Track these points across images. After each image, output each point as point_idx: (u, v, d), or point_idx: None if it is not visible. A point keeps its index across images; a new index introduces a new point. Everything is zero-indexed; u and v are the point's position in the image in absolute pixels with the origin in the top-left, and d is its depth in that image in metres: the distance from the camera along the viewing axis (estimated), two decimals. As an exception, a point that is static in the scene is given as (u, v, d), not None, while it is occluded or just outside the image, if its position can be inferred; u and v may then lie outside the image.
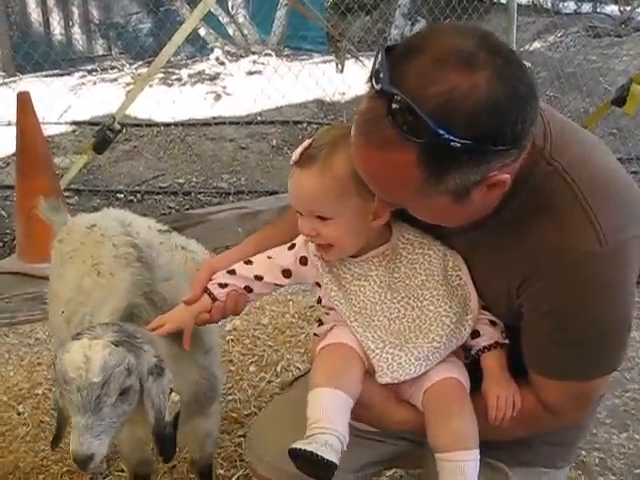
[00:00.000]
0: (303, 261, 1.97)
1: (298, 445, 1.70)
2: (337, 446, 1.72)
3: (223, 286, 2.03)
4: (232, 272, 2.03)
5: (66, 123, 7.67)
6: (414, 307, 1.89)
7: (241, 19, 10.58)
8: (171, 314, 2.10)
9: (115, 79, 8.91)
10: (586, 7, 13.00)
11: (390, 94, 1.47)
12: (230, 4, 10.39)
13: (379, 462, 2.25)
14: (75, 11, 11.28)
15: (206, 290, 2.05)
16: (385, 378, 1.87)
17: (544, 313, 1.73)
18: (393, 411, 1.94)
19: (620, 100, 5.70)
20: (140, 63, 9.28)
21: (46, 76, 8.61)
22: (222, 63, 9.51)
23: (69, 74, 8.98)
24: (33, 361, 4.01)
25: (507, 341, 1.89)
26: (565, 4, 12.97)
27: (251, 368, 3.85)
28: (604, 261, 1.65)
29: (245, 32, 10.59)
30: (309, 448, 1.68)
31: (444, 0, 9.53)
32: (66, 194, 5.79)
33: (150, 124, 7.76)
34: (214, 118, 8.01)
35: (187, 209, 6.42)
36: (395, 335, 1.88)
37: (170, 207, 6.49)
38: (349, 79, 8.26)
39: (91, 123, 7.48)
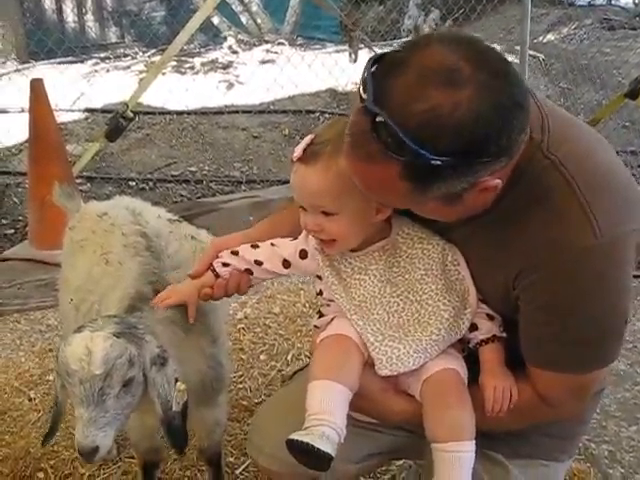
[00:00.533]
0: (302, 254, 1.99)
1: (295, 436, 1.72)
2: (334, 438, 1.74)
3: (226, 265, 2.08)
4: (235, 253, 2.07)
5: (79, 110, 7.68)
6: (413, 301, 1.91)
7: (254, 8, 10.58)
8: (175, 288, 2.18)
9: (128, 67, 8.92)
10: (600, -1, 12.93)
11: (373, 113, 1.50)
12: (244, -7, 10.39)
13: (381, 453, 2.26)
14: (88, -2, 11.30)
15: (210, 267, 2.10)
16: (384, 371, 1.89)
17: (540, 305, 1.74)
18: (391, 402, 1.95)
19: (634, 93, 5.70)
20: (153, 51, 9.29)
21: (59, 63, 8.63)
22: (235, 52, 9.51)
23: (82, 61, 8.99)
24: (44, 347, 4.03)
25: (504, 335, 1.90)
26: (579, -4, 12.90)
27: (262, 357, 3.87)
28: (600, 254, 1.65)
29: (258, 21, 10.59)
30: (305, 439, 1.70)
31: (458, -9, 9.49)
32: (78, 181, 5.81)
33: (163, 112, 7.76)
34: (227, 107, 8.02)
35: (199, 197, 6.43)
36: (394, 328, 1.90)
37: (182, 195, 6.49)
38: (362, 69, 8.21)
39: (104, 111, 7.49)
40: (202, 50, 9.72)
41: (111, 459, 3.12)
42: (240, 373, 3.68)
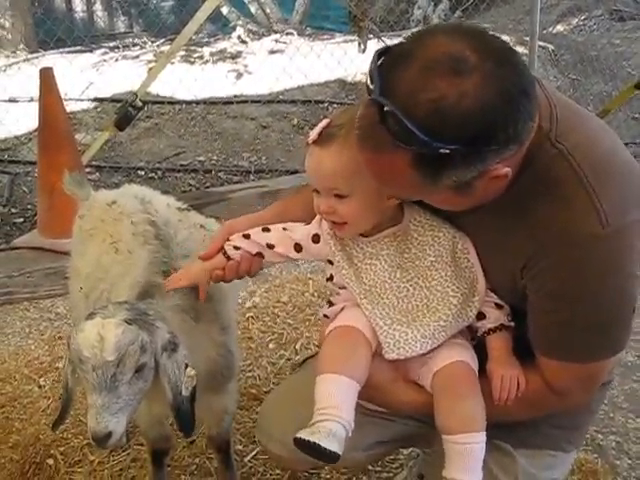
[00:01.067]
0: (315, 239, 2.00)
1: (302, 435, 1.74)
2: (341, 434, 1.75)
3: (237, 248, 2.08)
4: (247, 237, 2.08)
5: (88, 100, 7.69)
6: (422, 287, 1.92)
7: (263, -2, 10.56)
8: (186, 270, 2.19)
9: (137, 56, 8.92)
10: (610, -10, 12.85)
11: (380, 104, 1.51)
12: (253, -18, 10.38)
13: (389, 441, 2.27)
14: (97, -12, 11.31)
15: (222, 249, 2.10)
16: (392, 354, 1.90)
17: (548, 293, 1.75)
18: (401, 392, 1.97)
19: (644, 84, 5.67)
20: (162, 40, 9.27)
21: (68, 53, 8.62)
22: (244, 42, 9.49)
23: (91, 51, 8.99)
24: (54, 335, 4.05)
25: (512, 324, 1.91)
26: (589, -14, 12.83)
27: (270, 345, 3.88)
28: (607, 243, 1.67)
29: (267, 11, 10.57)
30: (312, 439, 1.72)
31: (467, -19, 9.47)
32: (87, 170, 5.82)
33: (172, 102, 7.77)
34: (236, 96, 8.02)
35: (207, 187, 6.43)
36: (403, 313, 1.92)
37: (190, 185, 6.50)
38: (369, 61, 8.19)
39: (113, 100, 7.49)
40: (211, 40, 9.70)
41: (121, 446, 3.13)
42: (249, 362, 3.69)
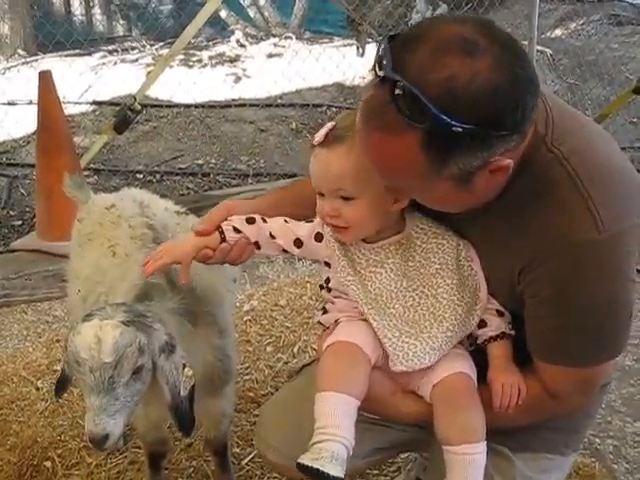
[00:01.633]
0: (318, 237, 1.95)
1: (306, 461, 1.71)
2: (343, 455, 1.73)
3: (237, 231, 1.97)
4: (251, 221, 1.98)
5: (87, 103, 7.70)
6: (428, 295, 1.90)
7: (262, 1, 10.58)
8: (170, 247, 2.04)
9: (136, 60, 8.93)
10: (608, -5, 12.87)
11: (393, 80, 1.50)
12: (251, -14, 10.39)
13: (388, 448, 2.27)
14: (96, -9, 11.32)
15: (219, 228, 1.98)
16: (400, 367, 1.88)
17: (545, 300, 1.75)
18: (400, 403, 1.96)
19: (642, 89, 5.68)
20: (161, 44, 9.29)
21: (67, 56, 8.63)
22: (243, 45, 9.50)
23: (90, 54, 9.00)
24: (52, 338, 4.05)
25: (513, 332, 1.91)
26: (588, -9, 12.85)
27: (268, 348, 3.87)
28: (603, 248, 1.67)
29: (266, 15, 10.58)
30: (316, 465, 1.70)
31: (466, -15, 9.48)
32: (86, 173, 5.83)
33: (170, 105, 7.78)
34: (234, 100, 8.03)
35: (206, 190, 6.44)
36: (410, 324, 1.89)
37: (189, 188, 6.50)
38: (369, 63, 8.19)
39: (111, 103, 7.51)
40: (210, 43, 9.71)
41: (118, 449, 3.14)
42: (246, 365, 3.69)
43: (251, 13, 10.62)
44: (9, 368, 3.77)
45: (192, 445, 3.15)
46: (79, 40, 8.20)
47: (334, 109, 7.99)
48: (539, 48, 8.21)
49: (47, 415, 3.36)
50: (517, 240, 1.75)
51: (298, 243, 1.97)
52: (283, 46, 9.38)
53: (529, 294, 1.79)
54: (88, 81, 8.01)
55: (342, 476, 1.71)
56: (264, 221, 1.98)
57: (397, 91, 1.49)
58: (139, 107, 5.46)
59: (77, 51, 8.74)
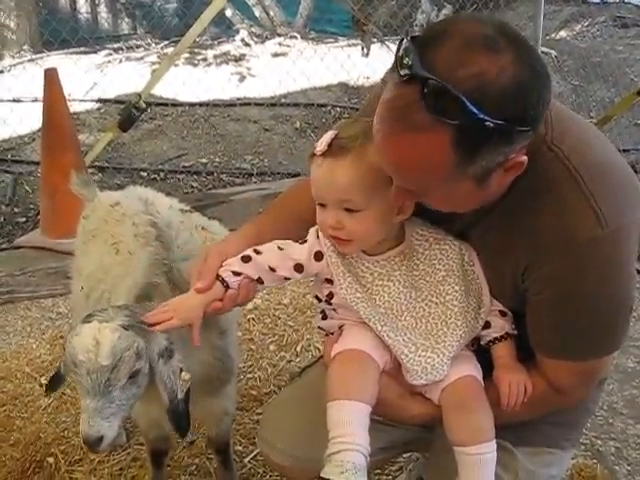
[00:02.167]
0: (318, 257, 1.90)
1: (331, 476, 1.70)
2: (363, 463, 1.73)
3: (237, 274, 1.91)
4: (246, 260, 1.91)
5: (92, 100, 7.71)
6: (438, 303, 1.90)
7: (267, 1, 10.57)
8: (178, 305, 1.96)
9: (141, 58, 8.94)
10: (614, -3, 12.87)
11: (423, 78, 1.48)
12: (257, -14, 10.39)
13: (392, 447, 2.27)
14: (102, -11, 11.34)
15: (218, 277, 1.92)
16: (420, 380, 1.89)
17: (549, 296, 1.77)
18: (408, 406, 1.97)
19: (646, 91, 5.69)
20: (166, 42, 9.30)
21: (72, 53, 8.64)
22: (247, 44, 9.51)
23: (95, 52, 9.01)
24: (55, 334, 4.07)
25: (516, 332, 1.92)
26: (593, -7, 12.85)
27: (271, 347, 3.89)
28: (606, 245, 1.68)
29: (271, 14, 10.58)
30: (338, 479, 1.69)
31: (471, -14, 9.48)
32: (90, 171, 5.83)
33: (175, 104, 7.79)
34: (238, 99, 8.04)
35: (209, 189, 6.45)
36: (424, 336, 1.89)
37: (193, 186, 6.52)
38: (374, 63, 8.25)
39: (117, 101, 7.52)
40: (215, 42, 9.72)
41: (120, 445, 3.15)
42: (250, 363, 3.70)
43: (256, 12, 10.63)
44: (13, 364, 3.78)
45: (194, 443, 3.17)
46: (85, 38, 8.20)
47: (338, 109, 8.00)
48: (544, 49, 8.22)
49: (50, 411, 3.37)
50: (520, 239, 1.76)
51: (299, 268, 1.91)
52: (288, 45, 9.38)
53: (533, 292, 1.80)
54: (93, 79, 8.02)
55: None
56: (258, 253, 1.92)
57: (426, 89, 1.47)
58: (144, 105, 5.47)
59: (83, 49, 8.74)
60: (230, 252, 1.97)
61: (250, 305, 4.20)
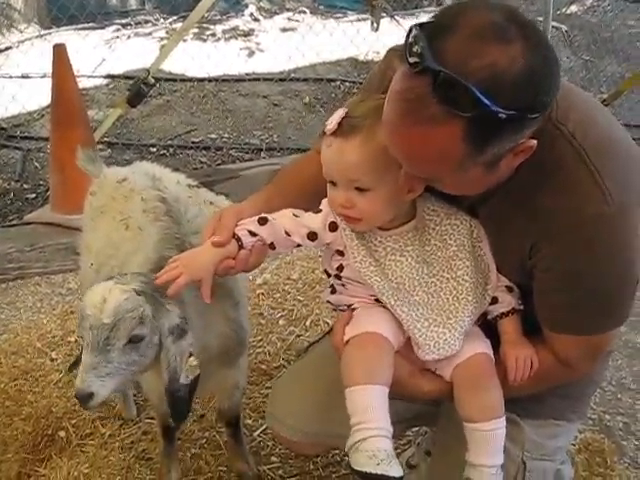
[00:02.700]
0: (332, 227, 1.90)
1: (367, 469, 1.69)
2: (390, 447, 1.74)
3: (252, 234, 1.92)
4: (263, 222, 1.92)
5: (100, 76, 7.70)
6: (449, 279, 1.90)
7: (276, -25, 10.52)
8: (190, 260, 1.95)
9: (149, 33, 8.91)
10: (625, -29, 12.74)
11: (435, 71, 1.47)
12: (266, -40, 10.33)
13: (398, 422, 2.27)
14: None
15: (234, 235, 1.92)
16: (432, 355, 1.89)
17: (557, 273, 1.77)
18: (420, 383, 1.98)
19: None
20: (174, 18, 9.26)
21: (81, 29, 8.62)
22: (256, 19, 9.46)
23: (103, 28, 8.98)
24: (66, 310, 4.09)
25: (522, 307, 1.93)
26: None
27: (281, 322, 3.91)
28: (612, 220, 1.69)
29: (280, -12, 10.53)
30: (379, 471, 1.68)
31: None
32: (99, 147, 5.85)
33: (184, 79, 7.78)
34: (247, 74, 8.02)
35: (219, 164, 6.45)
36: (436, 311, 1.90)
37: (202, 162, 6.52)
38: (384, 38, 8.20)
39: (125, 77, 7.51)
40: (223, 17, 9.67)
41: (131, 419, 3.19)
42: (259, 337, 3.72)
43: (265, -13, 10.58)
44: (24, 339, 3.81)
45: (205, 416, 3.19)
46: (93, 13, 8.18)
47: (347, 84, 7.98)
48: (554, 24, 8.15)
49: (61, 386, 3.40)
50: (528, 217, 1.76)
51: (312, 236, 1.91)
52: (297, 20, 9.33)
53: (541, 268, 1.80)
54: (102, 55, 8.01)
55: (402, 474, 1.72)
56: (273, 218, 1.93)
57: (439, 81, 1.46)
58: (153, 81, 5.46)
59: (91, 24, 8.71)
60: (245, 213, 1.98)
61: (259, 280, 4.23)
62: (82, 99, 5.41)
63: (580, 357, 1.90)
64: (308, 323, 3.87)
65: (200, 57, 7.69)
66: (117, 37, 8.73)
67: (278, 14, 9.72)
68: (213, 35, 8.83)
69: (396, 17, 8.14)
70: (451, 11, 1.58)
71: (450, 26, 1.51)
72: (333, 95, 7.73)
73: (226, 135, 7.04)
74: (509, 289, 1.93)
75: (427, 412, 2.22)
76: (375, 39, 8.25)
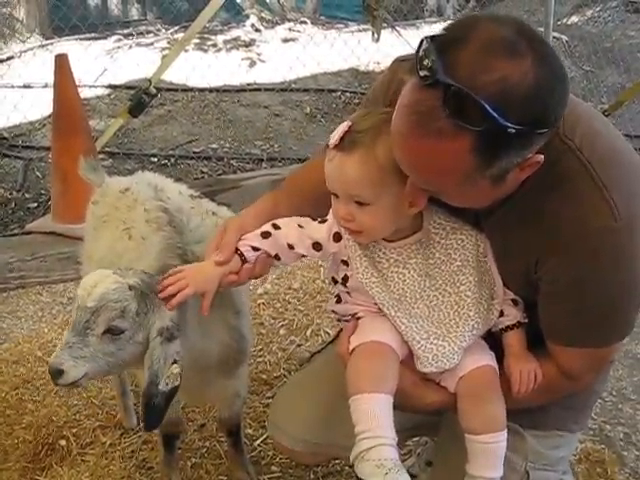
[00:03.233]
0: (336, 238, 1.91)
1: (372, 478, 1.70)
2: (397, 456, 1.74)
3: (255, 249, 1.96)
4: (266, 236, 1.95)
5: (102, 86, 7.73)
6: (451, 293, 1.90)
7: (278, -14, 10.57)
8: (195, 274, 1.99)
9: (151, 43, 8.94)
10: (626, -18, 12.79)
11: (445, 84, 1.47)
12: (267, -29, 10.38)
13: (400, 431, 2.28)
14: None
15: (237, 251, 1.97)
16: (430, 368, 1.89)
17: (563, 285, 1.77)
18: (424, 393, 1.97)
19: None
20: (176, 28, 9.30)
21: (83, 39, 8.65)
22: (258, 30, 9.50)
23: (105, 38, 9.02)
24: (66, 319, 4.07)
25: (527, 320, 1.93)
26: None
27: (281, 331, 3.90)
28: (619, 235, 1.69)
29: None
30: None
31: (483, -29, 9.45)
32: (101, 157, 5.86)
33: (185, 89, 7.80)
34: (249, 84, 8.05)
35: (220, 174, 6.46)
36: (436, 324, 1.89)
37: (203, 172, 6.53)
38: (384, 48, 8.23)
39: (127, 87, 7.54)
40: (225, 28, 9.71)
41: (131, 427, 3.19)
42: (260, 347, 3.72)
43: (266, -3, 10.63)
44: (25, 348, 3.81)
45: (205, 425, 3.19)
46: (95, 24, 8.23)
47: (348, 94, 8.00)
48: (555, 35, 8.18)
49: (62, 395, 3.39)
50: (534, 230, 1.76)
51: (317, 247, 1.93)
52: (298, 31, 9.37)
53: (547, 281, 1.80)
54: (104, 64, 8.04)
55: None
56: (277, 228, 1.96)
57: (449, 95, 1.47)
58: (154, 91, 5.47)
59: (93, 35, 8.75)
60: (248, 227, 2.01)
61: (260, 290, 4.23)
62: (84, 109, 5.42)
63: (584, 369, 1.90)
64: (309, 333, 3.87)
65: (201, 67, 7.71)
66: (119, 47, 8.76)
67: (279, 24, 9.76)
68: (214, 45, 8.87)
69: (397, 28, 8.18)
70: (462, 24, 1.58)
71: (461, 39, 1.51)
72: (334, 105, 7.76)
73: (227, 145, 7.05)
74: (514, 302, 1.93)
75: (428, 422, 2.22)
76: (376, 50, 8.29)
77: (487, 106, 1.45)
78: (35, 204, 5.87)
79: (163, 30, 9.43)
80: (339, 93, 8.03)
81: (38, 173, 6.34)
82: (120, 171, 6.05)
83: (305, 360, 2.59)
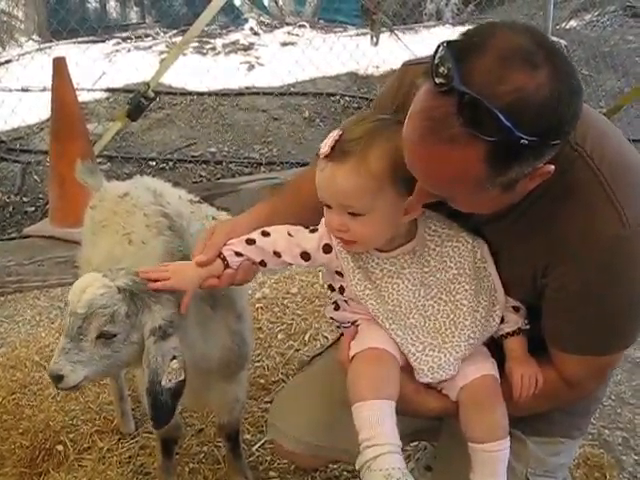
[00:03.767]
0: (326, 249, 1.90)
1: None
2: (404, 463, 1.73)
3: (239, 255, 1.95)
4: (251, 242, 1.93)
5: (100, 90, 7.72)
6: (447, 302, 1.89)
7: (276, -10, 10.57)
8: (177, 270, 2.00)
9: (149, 47, 8.94)
10: (624, -14, 12.80)
11: (461, 92, 1.46)
12: (266, -25, 10.39)
13: (400, 436, 2.28)
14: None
15: (220, 255, 1.96)
16: (426, 379, 1.89)
17: (570, 293, 1.76)
18: (426, 400, 1.97)
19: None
20: (174, 32, 9.29)
21: (81, 43, 8.65)
22: (256, 34, 9.50)
23: (104, 41, 9.01)
24: (64, 324, 4.07)
25: (528, 327, 1.92)
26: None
27: (279, 336, 3.89)
28: (629, 243, 1.69)
29: (280, 3, 10.58)
30: None
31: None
32: (99, 160, 5.84)
33: (183, 93, 7.80)
34: (247, 88, 8.04)
35: (218, 178, 6.45)
36: (432, 335, 1.88)
37: (201, 176, 6.52)
38: (383, 52, 8.24)
39: (125, 90, 7.53)
40: (223, 31, 9.71)
41: (129, 433, 3.18)
42: (258, 352, 3.70)
43: (265, 1, 10.62)
44: (22, 353, 3.80)
45: (203, 431, 3.18)
46: (93, 27, 8.22)
47: (347, 98, 7.99)
48: (554, 39, 8.16)
49: (59, 400, 3.38)
50: (543, 236, 1.76)
51: (305, 256, 1.91)
52: (297, 35, 9.37)
53: (553, 288, 1.80)
54: (102, 68, 8.03)
55: None
56: (266, 235, 1.94)
57: (464, 103, 1.46)
58: (152, 94, 5.47)
59: (91, 38, 8.75)
60: (238, 232, 2.00)
61: (258, 294, 4.22)
62: (82, 112, 5.42)
63: (586, 377, 1.90)
64: (307, 337, 3.85)
65: (200, 71, 7.71)
66: (117, 51, 8.76)
67: (278, 28, 9.76)
68: (213, 49, 8.87)
69: (396, 32, 8.18)
70: (480, 31, 1.57)
71: (478, 47, 1.50)
72: (333, 109, 7.75)
73: (226, 149, 7.05)
74: (516, 309, 1.92)
75: (428, 427, 2.21)
76: (375, 53, 8.31)
77: (502, 117, 1.44)
78: (33, 208, 5.87)
79: (162, 34, 9.42)
80: (338, 97, 8.02)
81: (36, 177, 6.33)
82: (118, 175, 6.04)
83: (305, 363, 2.59)
